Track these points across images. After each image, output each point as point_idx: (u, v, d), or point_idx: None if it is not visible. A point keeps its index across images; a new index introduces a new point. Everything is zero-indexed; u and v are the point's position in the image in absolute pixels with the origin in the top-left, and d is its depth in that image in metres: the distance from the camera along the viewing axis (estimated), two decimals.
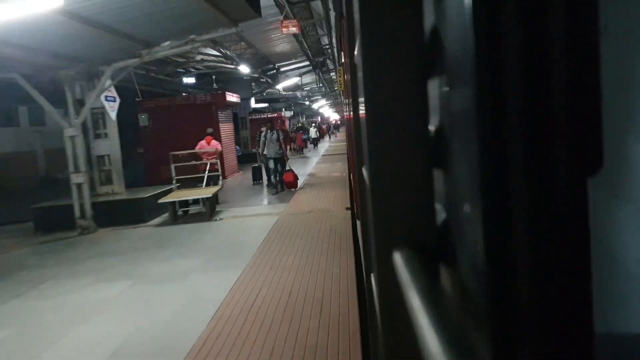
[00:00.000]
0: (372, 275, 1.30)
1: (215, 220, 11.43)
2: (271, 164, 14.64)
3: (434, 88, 0.82)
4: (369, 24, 0.90)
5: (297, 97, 31.44)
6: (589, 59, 0.45)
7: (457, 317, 0.66)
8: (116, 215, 11.73)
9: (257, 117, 29.27)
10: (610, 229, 0.89)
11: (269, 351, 4.37)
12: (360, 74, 1.03)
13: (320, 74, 25.53)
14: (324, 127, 46.13)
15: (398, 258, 0.84)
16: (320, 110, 48.72)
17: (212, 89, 21.22)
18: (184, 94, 20.65)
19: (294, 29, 12.49)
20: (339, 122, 63.34)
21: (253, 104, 27.19)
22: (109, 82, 11.32)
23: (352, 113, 2.61)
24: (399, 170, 0.87)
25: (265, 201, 13.55)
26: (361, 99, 1.13)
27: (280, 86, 24.91)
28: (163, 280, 7.14)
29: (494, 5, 0.48)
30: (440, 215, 0.84)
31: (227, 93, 19.52)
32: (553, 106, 0.45)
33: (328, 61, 22.80)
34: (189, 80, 20.18)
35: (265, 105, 30.44)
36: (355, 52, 1.36)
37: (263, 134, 14.76)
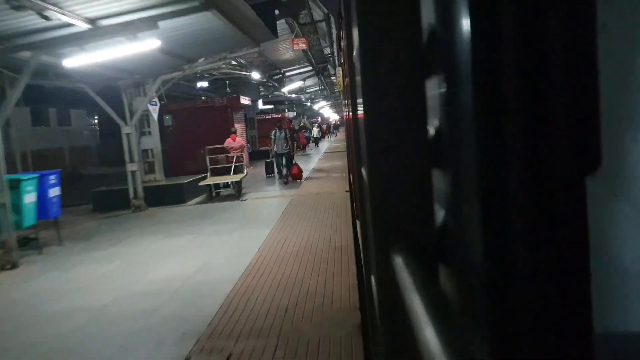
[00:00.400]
0: (371, 276, 1.30)
1: (242, 200, 14.81)
2: (280, 159, 17.51)
3: (433, 88, 0.82)
4: (366, 24, 0.90)
5: (300, 99, 34.92)
6: (587, 57, 0.45)
7: (456, 318, 0.66)
8: (161, 197, 14.75)
9: (263, 117, 30.85)
10: (609, 229, 0.89)
11: (298, 265, 7.71)
12: (358, 74, 1.03)
13: (322, 78, 27.34)
14: (324, 127, 47.80)
15: (397, 259, 0.84)
16: (321, 111, 50.41)
17: (224, 93, 23.73)
18: (202, 97, 23.06)
19: (303, 46, 15.70)
20: (338, 122, 63.53)
21: (260, 105, 29.88)
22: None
23: (351, 113, 2.61)
24: (398, 170, 0.87)
25: (278, 189, 16.94)
26: (360, 100, 1.13)
27: (285, 89, 26.93)
28: (215, 234, 10.45)
29: (492, 4, 0.47)
30: (439, 215, 0.84)
31: (240, 97, 21.96)
32: (551, 105, 0.44)
33: (329, 67, 24.23)
34: (203, 84, 21.75)
35: (271, 106, 33.01)
36: (354, 53, 1.35)
37: (273, 133, 17.58)
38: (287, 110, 36.84)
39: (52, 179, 10.31)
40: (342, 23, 2.99)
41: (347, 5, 2.20)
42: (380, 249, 0.92)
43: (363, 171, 1.40)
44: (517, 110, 0.46)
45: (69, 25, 8.61)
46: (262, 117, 31.98)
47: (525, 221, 0.47)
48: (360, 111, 1.16)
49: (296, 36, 15.76)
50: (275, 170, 18.56)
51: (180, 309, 6.24)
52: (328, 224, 10.42)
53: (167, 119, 20.51)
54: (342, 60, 5.88)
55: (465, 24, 0.52)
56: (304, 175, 18.22)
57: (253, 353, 4.91)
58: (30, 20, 8.03)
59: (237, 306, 6.10)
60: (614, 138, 0.85)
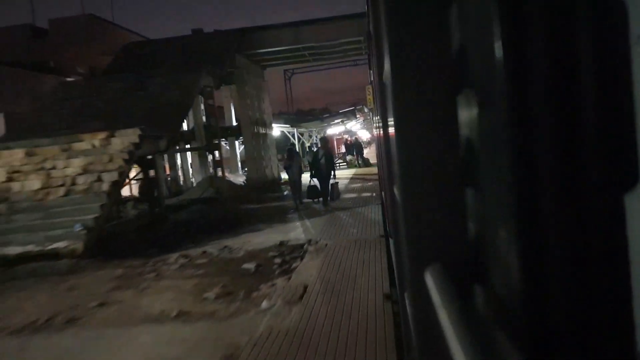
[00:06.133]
0: (405, 294, 1.29)
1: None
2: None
3: (464, 106, 0.81)
4: (397, 44, 0.90)
5: (354, 131, 52.55)
6: (621, 71, 0.44)
7: (492, 336, 0.65)
8: None
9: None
10: None
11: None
12: (389, 93, 1.03)
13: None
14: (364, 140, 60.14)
15: (430, 277, 0.83)
16: (358, 132, 60.93)
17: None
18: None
19: (362, 117, 38.51)
20: (368, 139, 65.10)
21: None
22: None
23: (382, 132, 2.61)
24: (430, 188, 0.86)
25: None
26: (391, 118, 1.13)
27: (348, 125, 42.02)
28: None
29: (522, 22, 0.47)
30: (473, 234, 0.83)
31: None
32: (585, 123, 0.44)
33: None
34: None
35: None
36: (384, 72, 1.36)
37: (350, 143, 33.04)
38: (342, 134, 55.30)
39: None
40: (372, 43, 3.00)
41: (377, 25, 2.21)
42: (414, 267, 0.91)
43: (395, 190, 1.39)
44: (550, 129, 0.45)
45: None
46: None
47: (563, 240, 0.46)
48: (391, 130, 1.16)
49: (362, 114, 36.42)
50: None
51: None
52: None
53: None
54: (371, 79, 5.89)
55: (497, 41, 0.52)
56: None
57: None
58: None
59: None
60: None
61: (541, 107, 0.46)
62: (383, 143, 2.49)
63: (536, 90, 0.46)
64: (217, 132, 19.23)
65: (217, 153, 18.78)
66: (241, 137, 22.40)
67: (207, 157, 20.36)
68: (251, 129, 21.17)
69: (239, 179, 21.68)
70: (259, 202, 15.57)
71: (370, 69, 6.14)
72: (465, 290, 0.79)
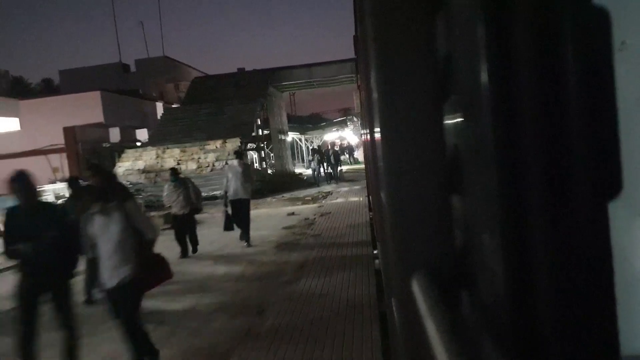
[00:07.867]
0: (392, 300, 1.29)
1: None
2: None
3: (450, 113, 0.82)
4: (383, 49, 0.90)
5: (344, 137, 58.28)
6: (605, 77, 0.44)
7: (478, 343, 0.65)
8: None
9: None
10: (634, 250, 0.87)
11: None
12: (375, 99, 1.03)
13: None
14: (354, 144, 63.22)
15: (417, 283, 0.83)
16: (348, 136, 62.93)
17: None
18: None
19: (352, 125, 41.83)
20: (356, 144, 65.17)
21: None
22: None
23: (369, 137, 2.61)
24: (417, 195, 0.86)
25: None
26: (377, 124, 1.13)
27: (341, 132, 48.93)
28: None
29: (506, 29, 0.48)
30: (459, 240, 0.83)
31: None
32: (570, 130, 0.44)
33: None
34: None
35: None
36: (371, 77, 1.36)
37: (344, 146, 38.49)
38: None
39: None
40: (359, 47, 3.01)
41: (364, 29, 2.21)
42: (401, 272, 0.91)
43: (382, 195, 1.40)
44: (536, 135, 0.45)
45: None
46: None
47: (546, 247, 0.46)
48: (378, 135, 1.16)
49: (351, 122, 38.94)
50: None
51: None
52: None
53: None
54: (359, 83, 5.90)
55: (482, 48, 0.52)
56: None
57: None
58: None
59: None
60: (636, 158, 0.83)
61: (526, 114, 0.46)
62: (370, 148, 2.49)
63: (521, 97, 0.47)
64: (262, 139, 29.03)
65: (262, 152, 29.16)
66: (266, 142, 31.38)
67: (247, 155, 29.64)
68: (277, 136, 31.05)
69: (268, 171, 30.59)
70: (290, 183, 24.90)
71: (357, 73, 6.16)
72: (452, 296, 0.80)
